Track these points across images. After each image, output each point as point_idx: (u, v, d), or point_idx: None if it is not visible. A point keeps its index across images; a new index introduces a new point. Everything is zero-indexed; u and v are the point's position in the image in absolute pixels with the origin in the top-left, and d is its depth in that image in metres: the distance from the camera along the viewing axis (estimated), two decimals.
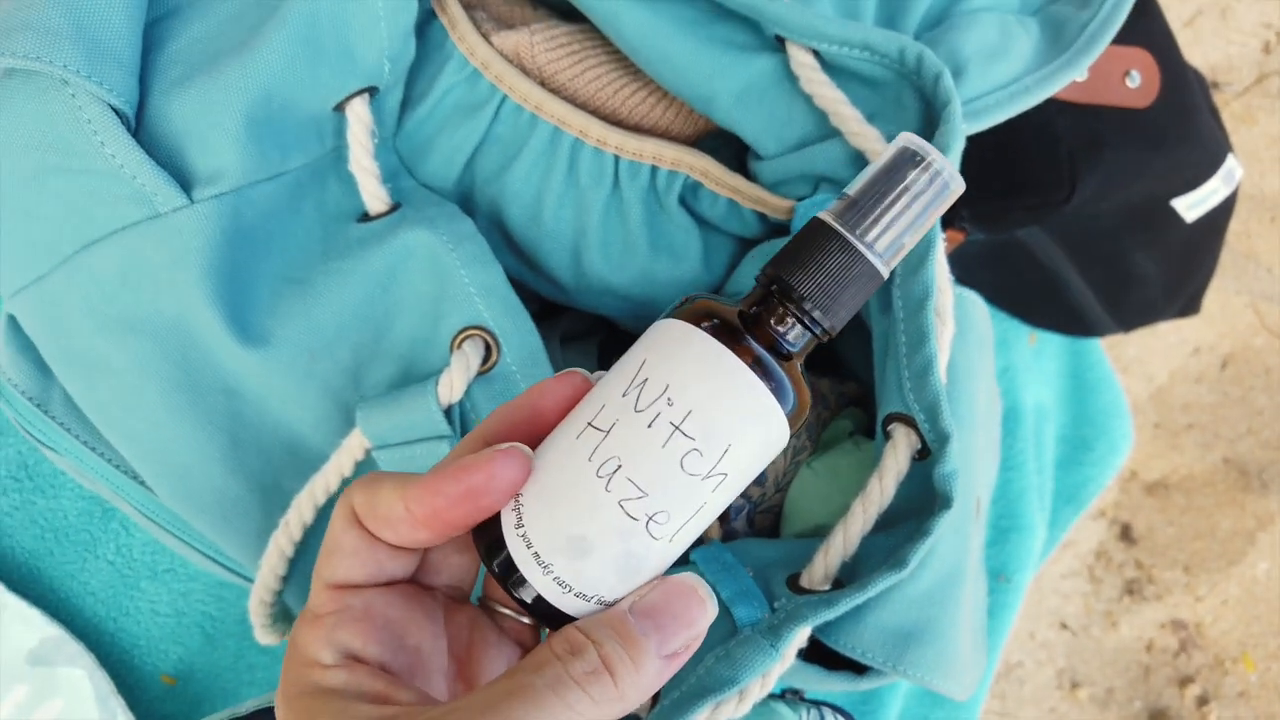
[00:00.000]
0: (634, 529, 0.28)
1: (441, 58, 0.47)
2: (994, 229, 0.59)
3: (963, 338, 0.43)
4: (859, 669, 0.42)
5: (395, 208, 0.44)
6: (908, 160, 0.29)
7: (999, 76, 0.47)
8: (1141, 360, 1.56)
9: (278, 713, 0.30)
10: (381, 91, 0.45)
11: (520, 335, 0.43)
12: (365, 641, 0.29)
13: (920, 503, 0.40)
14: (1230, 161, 0.64)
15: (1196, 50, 1.57)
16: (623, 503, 0.28)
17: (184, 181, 0.40)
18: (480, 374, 0.43)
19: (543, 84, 0.47)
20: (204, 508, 0.44)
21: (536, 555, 0.29)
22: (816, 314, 0.29)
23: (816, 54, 0.44)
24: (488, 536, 0.30)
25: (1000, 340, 0.69)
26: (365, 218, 0.44)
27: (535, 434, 0.30)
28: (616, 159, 0.46)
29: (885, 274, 0.30)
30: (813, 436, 0.50)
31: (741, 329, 0.29)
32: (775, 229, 0.48)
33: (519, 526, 0.29)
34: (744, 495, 0.48)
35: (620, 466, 0.28)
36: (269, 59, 0.40)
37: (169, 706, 0.57)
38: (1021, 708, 1.48)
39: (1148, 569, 1.54)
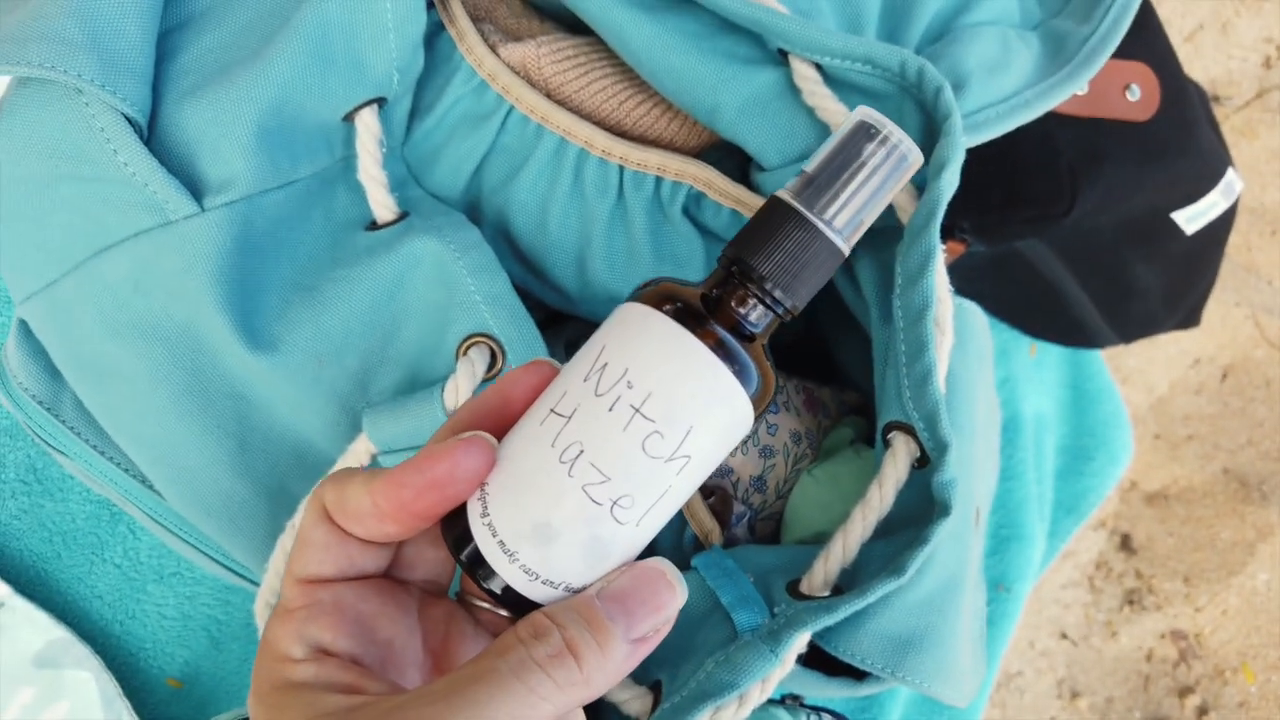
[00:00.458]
0: (599, 514, 0.28)
1: (449, 69, 0.47)
2: (994, 241, 0.60)
3: (962, 348, 0.44)
4: (858, 675, 0.42)
5: (403, 216, 0.45)
6: (864, 134, 0.29)
7: (1000, 90, 0.48)
8: (1142, 371, 1.56)
9: (250, 710, 0.30)
10: (390, 102, 0.45)
11: (525, 343, 0.43)
12: (335, 635, 0.29)
13: (919, 510, 0.40)
14: (1230, 174, 0.64)
15: (1197, 65, 1.58)
16: (586, 488, 0.28)
17: (195, 189, 0.40)
18: (486, 381, 0.43)
19: (549, 95, 0.47)
20: (211, 511, 0.44)
21: (502, 544, 0.28)
22: (778, 293, 0.29)
23: (819, 67, 0.44)
24: (455, 528, 0.30)
25: (1000, 351, 0.69)
26: (373, 226, 0.45)
27: (506, 424, 0.30)
28: (621, 169, 0.47)
29: (846, 251, 0.29)
30: (814, 445, 0.51)
31: (703, 311, 0.29)
32: None
33: (484, 515, 0.29)
34: (745, 503, 0.48)
35: (583, 452, 0.28)
36: (280, 69, 0.41)
37: (174, 710, 0.57)
38: (1021, 717, 1.48)
39: (1148, 579, 1.54)
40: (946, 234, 0.57)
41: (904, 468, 0.40)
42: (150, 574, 0.57)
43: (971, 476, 0.43)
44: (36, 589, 0.56)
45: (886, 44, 0.44)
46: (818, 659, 0.42)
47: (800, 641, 0.38)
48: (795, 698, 0.51)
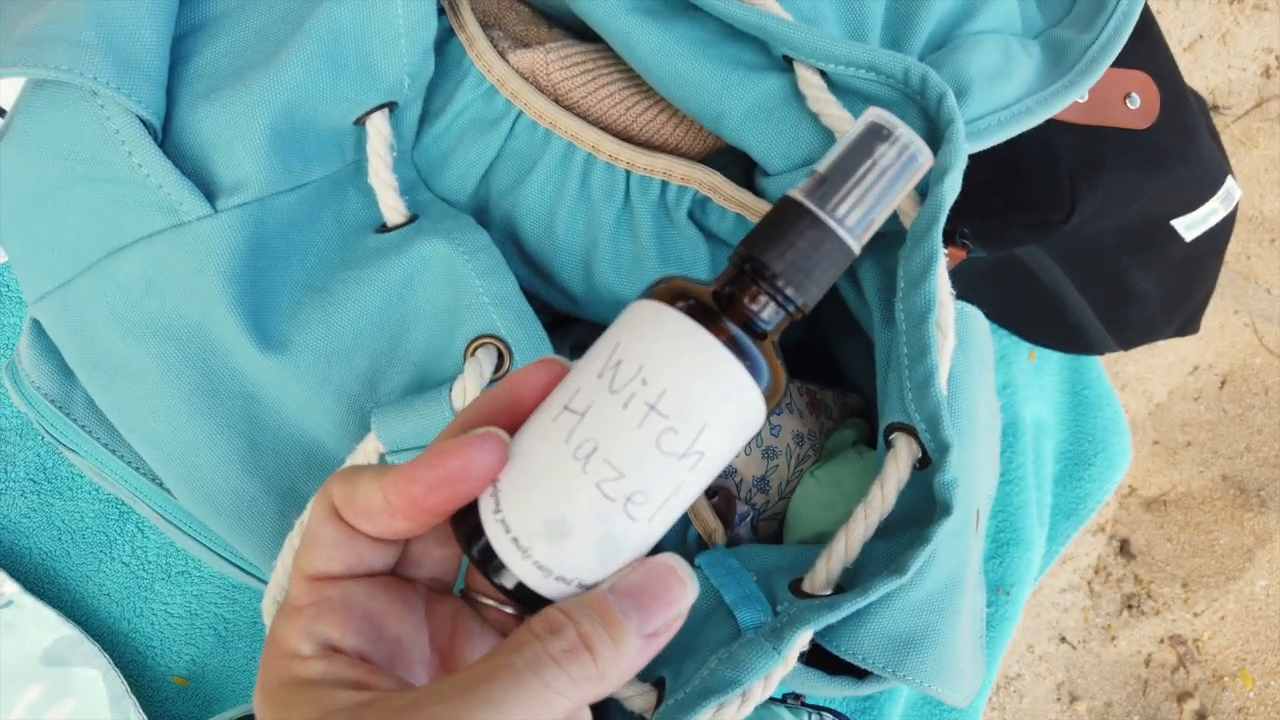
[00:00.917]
0: (612, 510, 0.28)
1: (459, 74, 0.48)
2: (995, 246, 0.60)
3: (964, 351, 0.44)
4: (859, 674, 0.42)
5: (412, 219, 0.45)
6: (875, 135, 0.29)
7: (1001, 97, 0.48)
8: (1141, 378, 1.56)
9: (256, 708, 0.29)
10: (401, 106, 0.46)
11: (532, 344, 0.44)
12: (344, 632, 0.29)
13: (921, 511, 0.40)
14: (1229, 183, 0.64)
15: (1197, 74, 1.58)
16: (600, 484, 0.28)
17: (208, 191, 0.41)
18: (493, 381, 0.43)
19: (557, 101, 0.48)
20: (221, 509, 0.45)
21: (515, 540, 0.28)
22: (790, 291, 0.29)
23: (823, 74, 0.45)
24: (466, 524, 0.29)
25: (1000, 356, 0.69)
26: (383, 228, 0.45)
27: (515, 422, 0.30)
28: (628, 174, 0.47)
29: (856, 249, 0.29)
30: (816, 446, 0.51)
31: (716, 308, 0.29)
32: None
33: (497, 511, 0.29)
34: (748, 503, 0.49)
35: (597, 448, 0.28)
36: (293, 74, 0.41)
37: (181, 707, 0.58)
38: None
39: (1146, 584, 1.55)
40: (947, 239, 0.57)
41: (906, 468, 0.41)
42: (158, 572, 0.57)
43: (972, 478, 0.43)
44: (45, 587, 0.57)
45: (890, 51, 0.44)
46: (819, 658, 0.42)
47: (803, 639, 0.38)
48: (797, 697, 0.52)
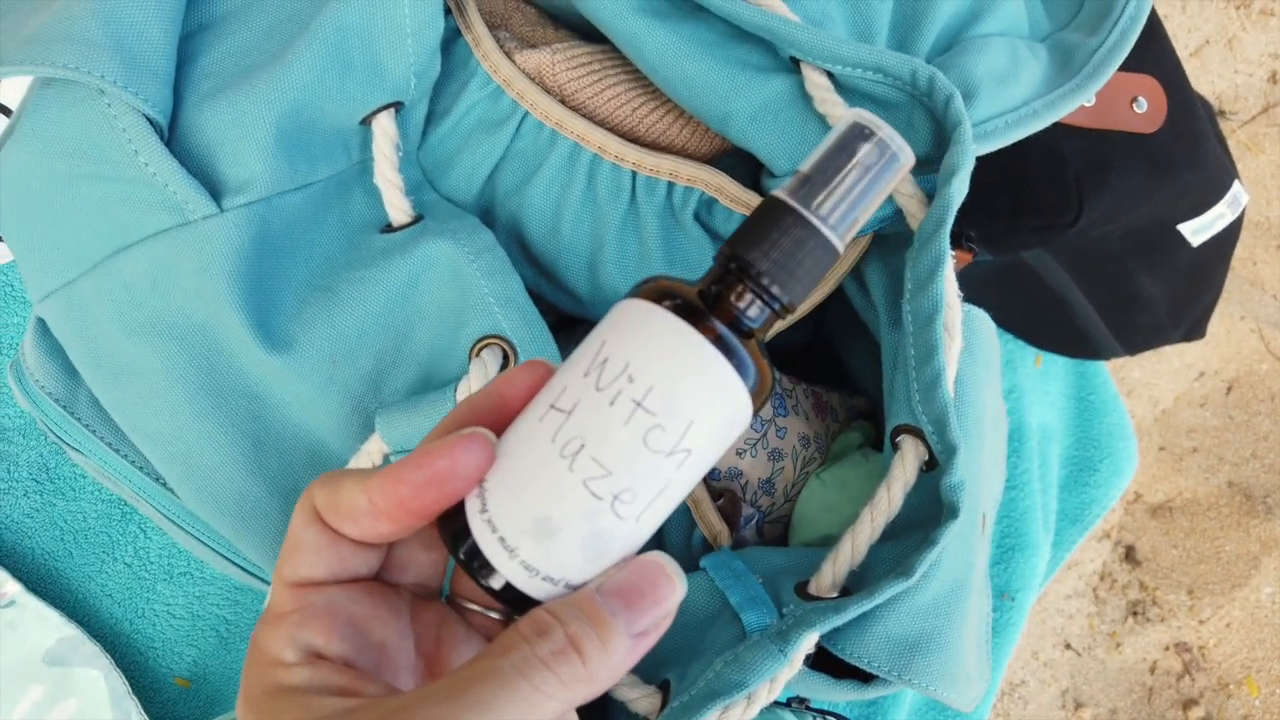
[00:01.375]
0: (599, 509, 0.28)
1: (465, 75, 0.48)
2: (1001, 250, 0.60)
3: (970, 354, 0.44)
4: (864, 678, 0.42)
5: (418, 219, 0.45)
6: (858, 135, 0.29)
7: (1008, 100, 0.48)
8: (1146, 384, 1.56)
9: (240, 717, 0.29)
10: (407, 106, 0.46)
11: (537, 345, 0.44)
12: (328, 638, 0.29)
13: (927, 513, 0.40)
14: (1236, 187, 0.64)
15: (1204, 79, 1.58)
16: (587, 482, 0.27)
17: (214, 190, 0.41)
18: None
19: (563, 102, 0.48)
20: (225, 509, 0.45)
21: (502, 539, 0.28)
22: (775, 289, 0.29)
23: (830, 75, 0.45)
24: (453, 525, 0.29)
25: (1006, 361, 0.69)
26: (389, 228, 0.45)
27: (502, 423, 0.30)
28: (634, 175, 0.47)
29: (840, 247, 0.30)
30: (822, 448, 0.51)
31: (702, 307, 0.29)
32: None
33: (484, 511, 0.28)
34: (754, 505, 0.49)
35: (584, 446, 0.28)
36: (300, 73, 0.41)
37: (182, 708, 0.58)
38: None
39: (1151, 591, 1.54)
40: (954, 242, 0.57)
41: (912, 470, 0.40)
42: (160, 573, 0.57)
43: (979, 481, 0.43)
44: (47, 587, 0.57)
45: (897, 53, 0.44)
46: (824, 662, 0.42)
47: (808, 642, 0.38)
48: (801, 700, 0.51)
